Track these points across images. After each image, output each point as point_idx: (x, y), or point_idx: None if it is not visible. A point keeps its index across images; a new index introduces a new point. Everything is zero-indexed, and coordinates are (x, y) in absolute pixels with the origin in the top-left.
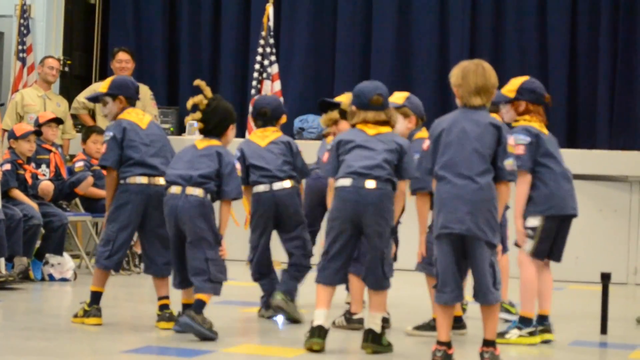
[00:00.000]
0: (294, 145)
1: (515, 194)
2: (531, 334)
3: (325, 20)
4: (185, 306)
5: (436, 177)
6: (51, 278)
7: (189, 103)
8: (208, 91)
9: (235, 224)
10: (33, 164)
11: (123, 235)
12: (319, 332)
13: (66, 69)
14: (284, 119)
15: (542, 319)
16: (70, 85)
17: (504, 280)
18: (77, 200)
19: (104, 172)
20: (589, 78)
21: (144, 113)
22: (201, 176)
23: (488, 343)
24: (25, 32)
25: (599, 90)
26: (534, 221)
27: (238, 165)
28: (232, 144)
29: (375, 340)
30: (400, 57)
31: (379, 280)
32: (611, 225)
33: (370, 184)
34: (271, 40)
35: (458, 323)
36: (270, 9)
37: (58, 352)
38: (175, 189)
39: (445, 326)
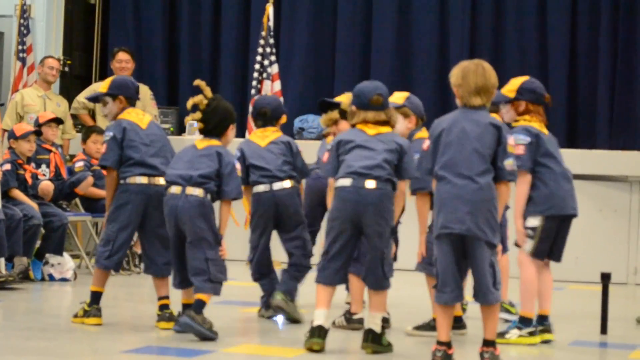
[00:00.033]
0: (294, 145)
1: (515, 194)
2: (531, 334)
3: (325, 20)
4: (185, 306)
5: (436, 177)
6: (51, 278)
7: (189, 103)
8: (208, 91)
9: (235, 224)
10: (33, 164)
11: (123, 235)
12: (319, 332)
13: (66, 69)
14: (284, 119)
15: (542, 319)
16: (70, 85)
17: (504, 280)
18: (77, 200)
19: (104, 172)
20: (589, 78)
21: (144, 113)
22: (201, 176)
23: (488, 343)
24: (25, 32)
25: (599, 90)
26: (534, 221)
27: (238, 165)
28: (232, 144)
29: (375, 340)
30: (400, 57)
31: (379, 280)
32: (611, 225)
33: (370, 184)
34: (271, 40)
35: (458, 323)
36: (270, 9)
37: (58, 352)
38: (175, 189)
39: (445, 326)
